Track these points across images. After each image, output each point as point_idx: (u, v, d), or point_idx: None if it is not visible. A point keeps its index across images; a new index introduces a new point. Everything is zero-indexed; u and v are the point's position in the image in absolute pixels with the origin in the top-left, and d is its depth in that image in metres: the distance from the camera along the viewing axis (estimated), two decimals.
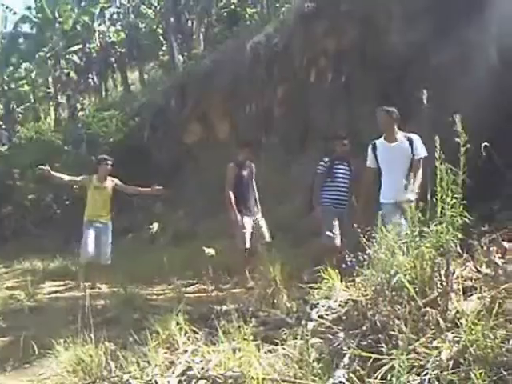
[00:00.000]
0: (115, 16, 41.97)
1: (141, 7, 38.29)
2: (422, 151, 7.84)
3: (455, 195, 3.92)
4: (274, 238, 10.04)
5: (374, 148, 8.29)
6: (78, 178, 12.01)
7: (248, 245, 9.68)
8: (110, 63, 40.08)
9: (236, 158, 10.36)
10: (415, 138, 8.02)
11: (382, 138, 8.24)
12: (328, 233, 8.86)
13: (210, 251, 5.25)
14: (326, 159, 9.42)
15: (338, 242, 8.91)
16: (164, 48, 36.92)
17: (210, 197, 16.49)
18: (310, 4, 17.06)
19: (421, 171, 7.74)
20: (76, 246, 12.73)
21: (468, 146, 3.89)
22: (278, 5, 26.50)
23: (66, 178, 12.08)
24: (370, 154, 8.31)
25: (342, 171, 9.43)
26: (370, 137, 8.92)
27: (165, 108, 22.88)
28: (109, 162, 11.62)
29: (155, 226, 11.28)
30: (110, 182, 11.62)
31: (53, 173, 11.64)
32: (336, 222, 9.10)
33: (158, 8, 36.87)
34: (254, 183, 10.35)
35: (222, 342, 4.31)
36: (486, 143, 4.04)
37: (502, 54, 10.41)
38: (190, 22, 34.65)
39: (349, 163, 9.52)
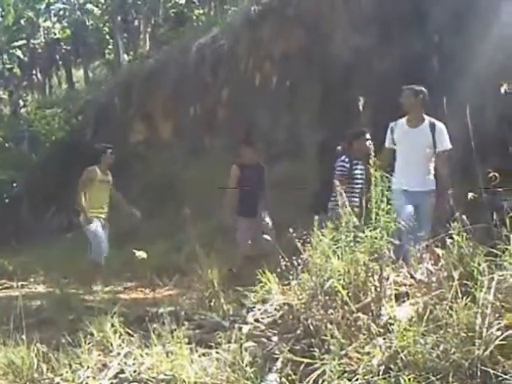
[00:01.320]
0: (61, 12, 41.40)
1: (87, 5, 37.87)
2: (445, 142, 7.33)
3: (390, 201, 3.97)
4: (215, 240, 9.95)
5: (394, 128, 7.52)
6: (86, 177, 10.25)
7: (249, 250, 9.23)
8: (54, 60, 39.56)
9: (239, 159, 9.81)
10: (439, 126, 7.38)
11: (405, 119, 7.57)
12: None
13: (141, 254, 5.19)
14: (347, 159, 8.76)
15: None
16: (110, 46, 36.62)
17: (154, 197, 16.42)
18: (257, 8, 17.11)
19: (446, 166, 7.36)
20: (16, 244, 12.29)
21: None
22: (226, 7, 26.52)
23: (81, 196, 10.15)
24: (388, 134, 7.54)
25: (360, 172, 8.83)
26: (311, 140, 8.97)
27: (109, 107, 22.70)
28: (112, 152, 10.50)
29: None
30: (110, 174, 10.50)
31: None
32: None
33: (105, 6, 36.53)
34: (265, 184, 9.79)
35: (155, 345, 4.28)
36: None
37: (443, 63, 10.60)
38: (136, 22, 34.44)
39: (363, 162, 8.72)
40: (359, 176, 8.77)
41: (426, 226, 6.83)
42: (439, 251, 4.13)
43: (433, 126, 7.37)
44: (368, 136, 8.59)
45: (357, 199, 8.55)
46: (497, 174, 4.09)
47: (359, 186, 8.71)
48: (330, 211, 8.49)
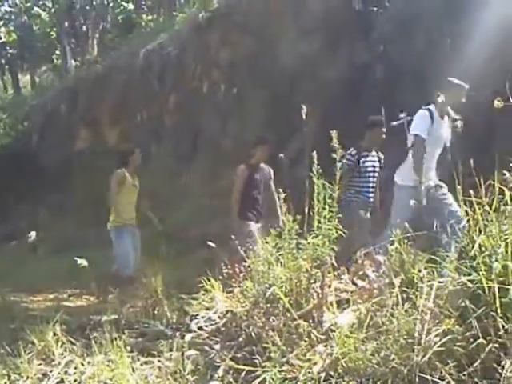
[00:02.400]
0: (7, 16, 40.72)
1: (34, 9, 37.33)
2: None
3: (331, 209, 3.98)
4: (160, 247, 9.81)
5: (432, 116, 6.99)
6: (116, 181, 9.45)
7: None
8: (0, 64, 38.92)
9: (247, 159, 9.00)
10: None
11: (434, 107, 7.07)
12: None
13: (82, 262, 5.13)
14: (354, 151, 8.24)
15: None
16: (57, 52, 36.18)
17: (99, 204, 16.26)
18: (205, 14, 17.13)
19: None
20: None
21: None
22: (174, 13, 26.42)
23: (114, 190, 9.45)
24: (427, 121, 6.97)
25: (370, 164, 8.38)
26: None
27: (55, 113, 22.45)
28: (140, 152, 9.77)
29: (33, 234, 10.86)
30: (137, 178, 9.72)
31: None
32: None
33: (53, 10, 36.03)
34: (273, 187, 8.81)
35: (96, 354, 4.22)
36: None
37: (387, 72, 10.74)
38: (84, 27, 34.09)
39: (377, 153, 8.51)
40: (370, 169, 8.36)
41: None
42: (380, 258, 4.17)
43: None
44: (382, 127, 8.25)
45: (371, 194, 8.32)
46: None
47: (371, 179, 8.37)
48: (343, 207, 8.21)
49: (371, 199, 8.33)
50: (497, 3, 9.62)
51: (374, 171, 8.38)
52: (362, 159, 8.28)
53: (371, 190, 8.32)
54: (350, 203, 8.02)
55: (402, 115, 7.38)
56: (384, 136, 8.25)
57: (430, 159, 6.99)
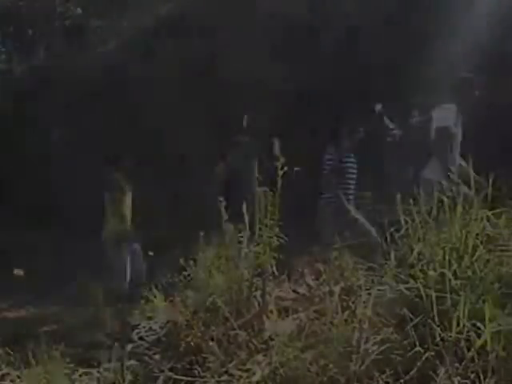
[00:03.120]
0: None
1: None
2: None
3: (273, 217, 3.98)
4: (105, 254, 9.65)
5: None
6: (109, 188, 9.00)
7: None
8: None
9: (224, 162, 8.61)
10: None
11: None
12: None
13: (19, 272, 5.06)
14: (334, 151, 7.96)
15: None
16: (3, 56, 35.66)
17: (43, 211, 16.04)
18: (154, 21, 17.08)
19: None
20: None
21: (286, 168, 3.96)
22: (123, 20, 26.24)
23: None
24: (455, 116, 7.01)
25: (351, 164, 8.08)
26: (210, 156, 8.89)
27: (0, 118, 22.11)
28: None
29: None
30: None
31: None
32: None
33: None
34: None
35: (33, 366, 4.15)
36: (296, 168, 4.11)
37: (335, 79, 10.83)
38: (31, 31, 33.63)
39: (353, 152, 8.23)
40: (350, 170, 8.08)
41: None
42: (320, 266, 4.17)
43: None
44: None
45: (351, 196, 8.02)
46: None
47: (352, 181, 8.12)
48: (323, 209, 7.97)
49: (352, 200, 8.12)
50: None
51: (353, 172, 8.12)
52: (344, 159, 8.03)
53: (352, 191, 8.09)
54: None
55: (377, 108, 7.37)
56: (360, 137, 8.16)
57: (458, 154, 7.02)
